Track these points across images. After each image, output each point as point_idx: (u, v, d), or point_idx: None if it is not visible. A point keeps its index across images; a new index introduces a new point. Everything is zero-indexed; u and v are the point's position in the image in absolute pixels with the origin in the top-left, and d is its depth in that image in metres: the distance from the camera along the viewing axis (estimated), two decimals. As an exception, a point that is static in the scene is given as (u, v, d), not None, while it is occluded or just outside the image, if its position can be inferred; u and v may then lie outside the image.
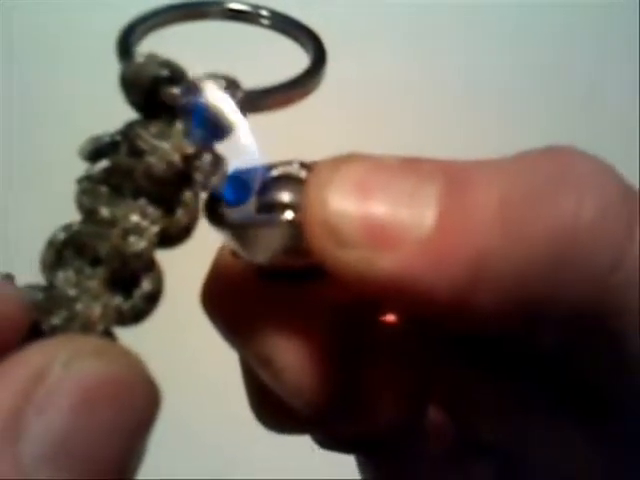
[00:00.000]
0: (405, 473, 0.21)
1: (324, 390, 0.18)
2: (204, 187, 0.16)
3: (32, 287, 0.16)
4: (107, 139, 0.17)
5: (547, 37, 0.61)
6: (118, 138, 0.17)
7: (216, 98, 0.16)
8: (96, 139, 0.17)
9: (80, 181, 0.17)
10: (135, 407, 0.13)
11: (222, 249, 0.18)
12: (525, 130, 0.52)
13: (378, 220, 0.15)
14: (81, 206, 0.17)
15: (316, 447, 0.21)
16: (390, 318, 0.20)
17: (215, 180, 0.16)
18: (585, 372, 0.16)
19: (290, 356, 0.17)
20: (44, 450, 0.12)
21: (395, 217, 0.15)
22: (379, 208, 0.15)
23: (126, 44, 0.18)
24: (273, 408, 0.19)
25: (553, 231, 0.14)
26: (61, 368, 0.13)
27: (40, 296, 0.16)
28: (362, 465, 0.22)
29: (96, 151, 0.17)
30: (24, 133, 0.55)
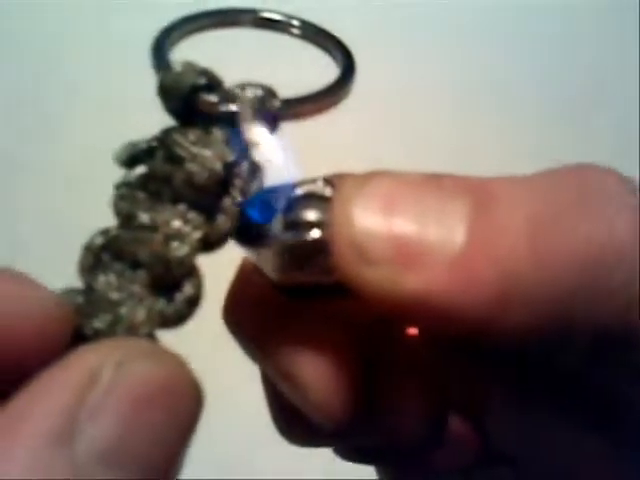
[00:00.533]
0: None
1: (345, 405, 0.18)
2: (243, 194, 0.16)
3: (71, 291, 0.16)
4: (143, 145, 0.17)
5: (581, 40, 0.61)
6: (154, 144, 0.17)
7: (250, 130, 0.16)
8: (132, 145, 0.17)
9: (118, 187, 0.17)
10: (185, 408, 0.13)
11: (244, 264, 0.19)
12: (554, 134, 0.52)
13: (405, 238, 0.15)
14: (119, 211, 0.17)
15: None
16: (411, 332, 0.20)
17: (254, 187, 0.16)
18: (604, 383, 0.16)
19: (312, 371, 0.17)
20: (99, 451, 0.12)
21: (422, 235, 0.14)
22: (406, 226, 0.15)
23: (160, 50, 0.18)
24: (295, 422, 0.19)
25: (584, 252, 0.14)
26: (113, 370, 0.13)
27: (80, 300, 0.16)
28: (382, 474, 0.23)
29: (133, 157, 0.17)
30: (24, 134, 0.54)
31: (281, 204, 0.16)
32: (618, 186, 0.15)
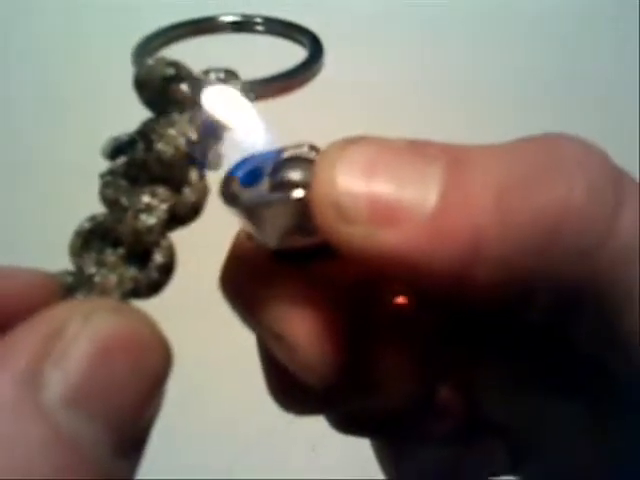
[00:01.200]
0: (418, 452, 0.22)
1: (335, 365, 0.18)
2: (205, 166, 0.17)
3: (63, 272, 0.18)
4: (125, 138, 0.19)
5: (549, 38, 0.62)
6: (135, 136, 0.19)
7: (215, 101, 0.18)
8: (115, 139, 0.19)
9: (102, 176, 0.18)
10: (148, 358, 0.14)
11: (239, 234, 0.19)
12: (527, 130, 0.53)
13: (382, 198, 0.15)
14: (104, 198, 0.18)
15: (316, 447, 0.21)
16: (401, 297, 0.20)
17: (213, 158, 0.17)
18: (583, 345, 0.17)
19: (300, 330, 0.18)
20: (63, 395, 0.13)
21: (399, 196, 0.15)
22: (384, 187, 0.15)
23: (139, 59, 0.20)
24: (289, 387, 0.20)
25: (545, 212, 0.15)
26: (79, 323, 0.14)
27: (70, 279, 0.18)
28: (377, 449, 0.23)
29: (115, 149, 0.19)
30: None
31: (268, 168, 0.17)
32: (582, 154, 0.16)
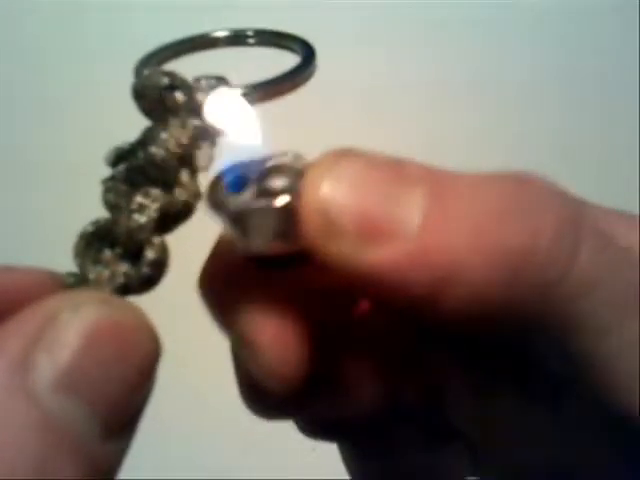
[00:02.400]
0: (383, 458, 0.22)
1: (298, 370, 0.19)
2: (198, 167, 0.18)
3: (66, 274, 0.19)
4: (126, 146, 0.20)
5: (544, 38, 0.62)
6: (134, 144, 0.20)
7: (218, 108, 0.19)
8: (117, 147, 0.20)
9: (104, 182, 0.19)
10: (134, 346, 0.15)
11: (221, 238, 0.20)
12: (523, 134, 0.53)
13: (369, 215, 0.16)
14: (106, 202, 0.19)
15: (316, 447, 0.22)
16: (368, 305, 0.21)
17: (204, 160, 0.18)
18: (546, 361, 0.18)
19: (265, 335, 0.18)
20: (53, 380, 0.14)
21: (385, 215, 0.16)
22: (372, 204, 0.16)
23: (140, 74, 0.21)
24: (257, 392, 0.20)
25: (515, 248, 0.16)
26: (69, 312, 0.15)
27: (71, 279, 0.18)
28: (344, 454, 0.23)
29: (117, 157, 0.20)
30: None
31: (253, 175, 0.18)
32: (547, 196, 0.17)
